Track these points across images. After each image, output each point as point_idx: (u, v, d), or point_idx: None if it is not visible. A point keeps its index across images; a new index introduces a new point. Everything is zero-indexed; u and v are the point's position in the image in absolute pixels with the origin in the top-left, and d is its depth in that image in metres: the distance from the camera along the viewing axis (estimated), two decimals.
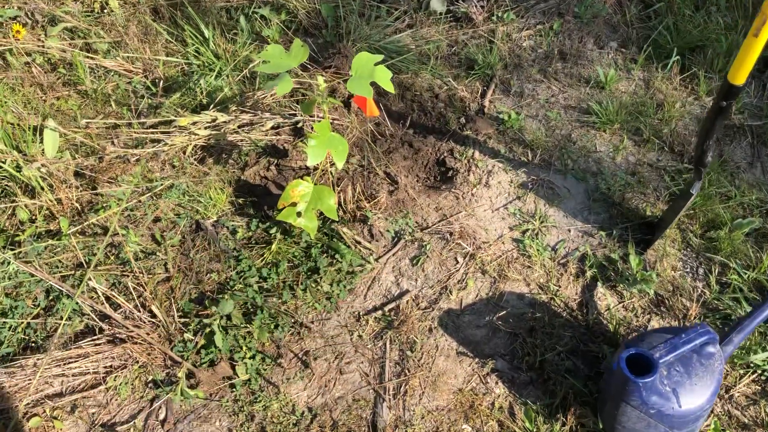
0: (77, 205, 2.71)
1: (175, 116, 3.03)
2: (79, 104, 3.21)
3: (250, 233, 2.70)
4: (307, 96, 3.04)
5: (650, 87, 3.25)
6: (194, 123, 2.88)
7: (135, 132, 2.92)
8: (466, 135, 3.03)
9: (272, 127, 2.97)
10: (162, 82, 3.25)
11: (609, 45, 3.48)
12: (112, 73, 3.31)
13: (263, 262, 2.58)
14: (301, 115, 3.03)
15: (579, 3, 3.62)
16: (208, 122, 2.91)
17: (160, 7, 3.59)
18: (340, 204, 2.75)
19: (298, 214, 2.42)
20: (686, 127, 3.08)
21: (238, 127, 2.94)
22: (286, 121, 2.99)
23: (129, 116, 3.11)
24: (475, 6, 3.60)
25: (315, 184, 2.43)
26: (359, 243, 2.64)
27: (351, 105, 3.17)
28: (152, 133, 2.90)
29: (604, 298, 2.50)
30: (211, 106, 3.00)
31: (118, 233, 2.60)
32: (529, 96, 3.25)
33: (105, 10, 3.57)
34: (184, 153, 2.91)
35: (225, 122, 2.91)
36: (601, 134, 3.07)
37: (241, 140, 2.95)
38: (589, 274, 2.56)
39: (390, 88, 2.26)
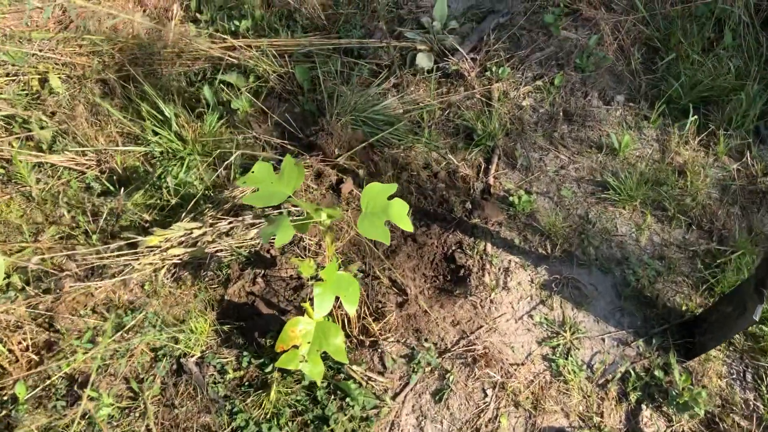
0: (34, 356, 2.29)
1: (142, 227, 2.62)
2: (24, 209, 2.75)
3: (242, 372, 2.32)
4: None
5: (667, 150, 2.96)
6: (166, 240, 2.47)
7: (96, 257, 2.48)
8: (474, 224, 2.70)
9: (256, 234, 2.59)
10: (123, 182, 2.79)
11: (616, 99, 3.16)
12: (60, 170, 2.85)
13: (262, 412, 2.21)
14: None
15: (579, 53, 3.29)
16: (181, 236, 2.50)
17: (109, 80, 3.12)
18: (343, 327, 2.40)
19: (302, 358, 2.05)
20: (710, 195, 2.82)
21: (217, 236, 2.54)
22: None
23: (84, 223, 2.67)
24: (466, 60, 3.24)
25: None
26: (371, 378, 2.29)
27: (341, 193, 2.80)
28: (117, 256, 2.48)
29: (651, 423, 2.23)
30: (183, 215, 2.58)
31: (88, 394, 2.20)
32: (537, 168, 2.92)
33: (45, 88, 3.09)
34: (156, 272, 2.50)
35: (201, 234, 2.51)
36: (620, 212, 2.77)
37: (220, 250, 2.55)
38: (632, 397, 2.27)
39: (408, 227, 1.91)
